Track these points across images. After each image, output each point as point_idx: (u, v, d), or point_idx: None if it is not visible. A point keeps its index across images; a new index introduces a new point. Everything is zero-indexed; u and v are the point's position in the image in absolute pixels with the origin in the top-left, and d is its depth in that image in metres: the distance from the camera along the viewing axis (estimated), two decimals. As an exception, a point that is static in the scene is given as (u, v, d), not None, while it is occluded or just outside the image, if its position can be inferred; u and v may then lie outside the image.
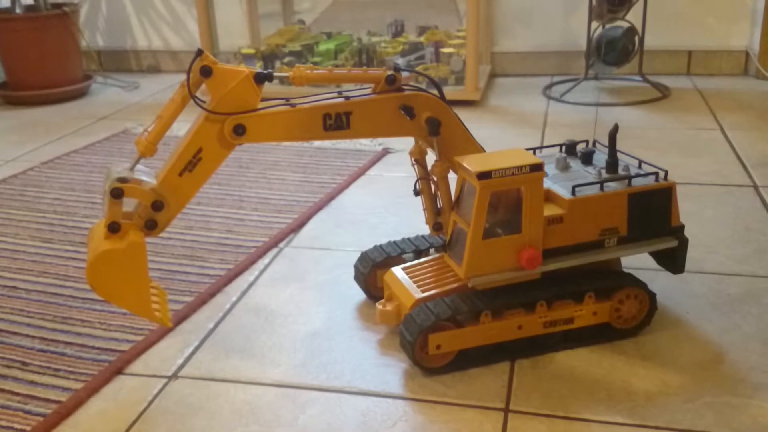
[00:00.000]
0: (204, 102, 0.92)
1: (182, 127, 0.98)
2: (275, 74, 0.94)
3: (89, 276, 0.91)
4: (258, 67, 2.37)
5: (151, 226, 0.93)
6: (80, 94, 2.57)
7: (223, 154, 0.94)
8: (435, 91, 1.00)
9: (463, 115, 1.10)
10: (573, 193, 0.97)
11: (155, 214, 0.93)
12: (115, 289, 0.92)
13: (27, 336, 1.08)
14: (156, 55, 2.87)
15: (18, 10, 2.49)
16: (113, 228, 0.91)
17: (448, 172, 1.02)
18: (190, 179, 0.93)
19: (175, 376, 0.99)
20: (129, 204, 0.93)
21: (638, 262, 1.17)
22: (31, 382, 0.98)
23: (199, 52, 0.89)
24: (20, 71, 2.50)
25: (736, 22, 2.43)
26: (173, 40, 2.84)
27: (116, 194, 0.89)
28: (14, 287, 1.23)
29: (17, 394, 0.95)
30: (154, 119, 0.92)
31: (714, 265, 1.22)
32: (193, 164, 0.92)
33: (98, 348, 1.05)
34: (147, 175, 0.93)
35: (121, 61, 2.91)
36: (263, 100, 0.95)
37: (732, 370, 0.95)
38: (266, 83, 0.93)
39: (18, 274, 1.27)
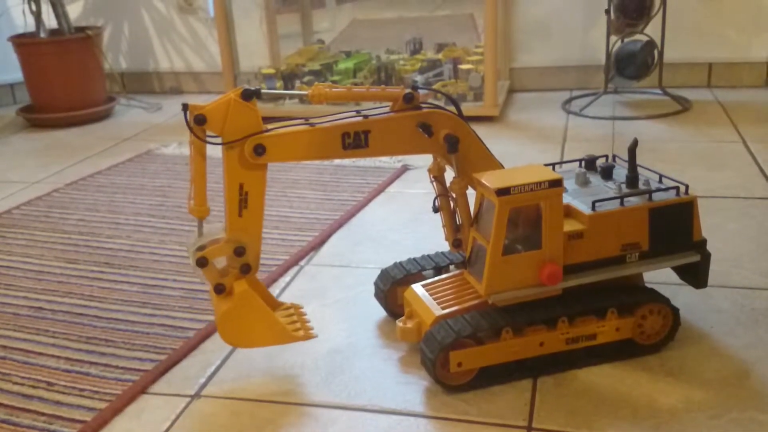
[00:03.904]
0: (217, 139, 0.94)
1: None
2: (264, 92, 0.95)
3: (223, 338, 0.99)
4: (278, 87, 2.40)
5: (245, 270, 0.97)
6: (104, 116, 2.61)
7: (260, 176, 0.95)
8: (453, 108, 1.00)
9: (482, 131, 1.10)
10: (593, 208, 0.97)
11: (242, 259, 0.97)
12: (250, 337, 0.99)
13: (52, 356, 1.10)
14: (178, 77, 2.91)
15: (42, 34, 2.54)
16: (219, 290, 0.98)
17: (467, 188, 1.02)
18: (251, 214, 0.96)
19: (197, 395, 1.00)
20: (221, 261, 0.98)
21: (661, 277, 1.16)
22: (57, 402, 0.99)
23: (185, 107, 0.92)
24: (45, 94, 2.54)
25: (757, 34, 2.42)
26: (195, 62, 2.87)
27: (202, 263, 0.95)
28: (39, 308, 1.24)
29: (43, 414, 0.96)
30: (190, 184, 0.95)
31: (738, 279, 1.21)
32: (244, 201, 0.95)
33: (122, 367, 1.06)
34: (218, 230, 0.98)
35: (143, 83, 2.95)
36: (281, 119, 0.97)
37: (758, 385, 0.94)
38: (288, 101, 0.94)
39: (43, 294, 1.29)
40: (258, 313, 0.98)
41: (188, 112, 0.92)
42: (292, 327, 1.01)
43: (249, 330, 0.99)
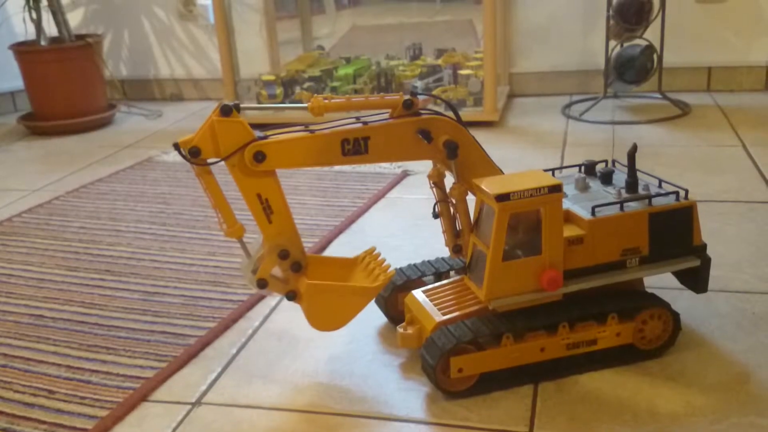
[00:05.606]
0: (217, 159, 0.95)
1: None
2: (243, 106, 0.96)
3: (321, 330, 1.03)
4: (278, 94, 2.40)
5: (297, 268, 1.00)
6: (104, 123, 2.61)
7: (272, 181, 0.96)
8: (452, 114, 1.00)
9: (482, 136, 1.10)
10: (593, 213, 0.97)
11: (289, 260, 0.99)
12: (341, 315, 1.02)
13: (53, 364, 1.10)
14: (178, 84, 2.92)
15: (43, 42, 2.55)
16: (290, 297, 1.02)
17: (467, 194, 1.02)
18: (279, 216, 0.97)
19: (198, 402, 1.00)
20: (276, 271, 1.01)
21: (661, 282, 1.16)
22: (58, 410, 0.99)
23: (176, 146, 0.93)
24: (45, 102, 2.55)
25: (757, 38, 2.42)
26: (195, 69, 2.88)
27: (262, 285, 0.99)
28: (40, 315, 1.24)
29: (44, 422, 0.96)
30: (215, 211, 0.96)
31: (738, 283, 1.21)
32: (269, 208, 0.97)
33: (123, 375, 1.06)
34: (261, 245, 0.99)
35: (144, 90, 2.95)
36: (282, 126, 0.97)
37: (758, 389, 0.94)
38: (289, 111, 0.95)
39: (44, 302, 1.29)
40: (332, 293, 1.00)
41: (180, 149, 0.93)
42: (371, 278, 1.03)
43: (335, 311, 1.01)
